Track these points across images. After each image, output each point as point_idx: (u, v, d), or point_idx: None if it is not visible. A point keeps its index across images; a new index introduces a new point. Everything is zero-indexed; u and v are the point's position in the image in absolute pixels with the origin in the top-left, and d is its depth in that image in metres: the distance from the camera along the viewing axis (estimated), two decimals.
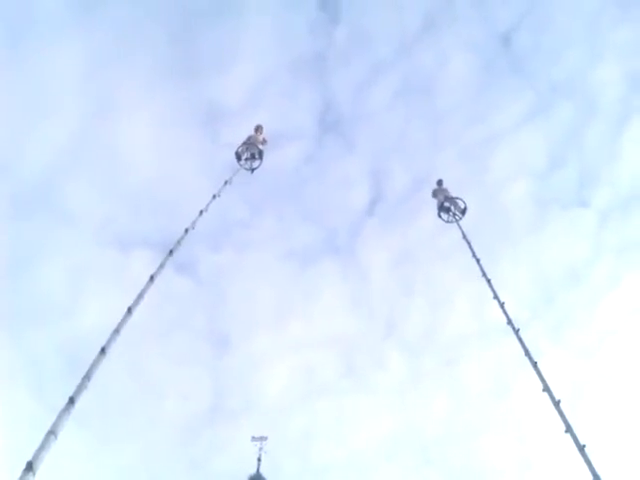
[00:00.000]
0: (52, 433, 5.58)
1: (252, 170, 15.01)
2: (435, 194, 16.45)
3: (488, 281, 11.42)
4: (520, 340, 9.59)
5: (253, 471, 19.50)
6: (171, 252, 9.74)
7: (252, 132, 15.69)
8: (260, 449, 19.64)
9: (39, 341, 28.01)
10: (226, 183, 12.77)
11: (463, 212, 15.40)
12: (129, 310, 7.74)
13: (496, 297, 10.87)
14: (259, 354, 31.78)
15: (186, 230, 10.49)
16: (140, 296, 8.16)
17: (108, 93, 28.16)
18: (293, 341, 33.61)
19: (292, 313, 35.63)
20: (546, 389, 8.49)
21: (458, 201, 15.68)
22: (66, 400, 6.05)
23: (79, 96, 27.83)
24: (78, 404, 6.12)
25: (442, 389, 31.01)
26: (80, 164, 28.24)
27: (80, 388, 6.26)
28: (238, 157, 14.87)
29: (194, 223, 10.82)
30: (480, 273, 11.81)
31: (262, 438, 19.62)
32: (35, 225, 28.25)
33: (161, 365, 29.70)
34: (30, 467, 5.06)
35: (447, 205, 15.68)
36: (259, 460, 19.50)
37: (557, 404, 8.18)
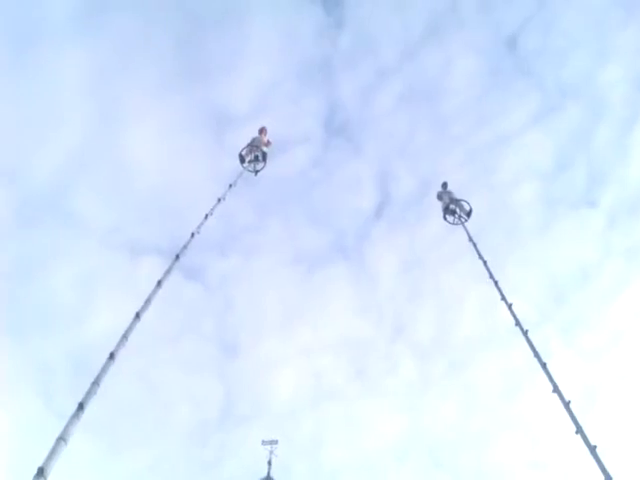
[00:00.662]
0: (62, 439, 5.59)
1: (256, 172, 14.83)
2: (440, 197, 16.42)
3: (495, 283, 11.36)
4: (529, 341, 9.53)
5: (264, 474, 19.53)
6: (178, 257, 9.74)
7: (256, 134, 15.62)
8: (270, 452, 19.66)
9: (48, 347, 28.13)
10: (231, 186, 12.77)
11: (468, 214, 15.34)
12: (137, 315, 7.74)
13: (503, 298, 10.82)
14: (268, 359, 31.84)
15: (192, 234, 10.50)
16: (148, 301, 8.16)
17: (115, 100, 28.33)
18: (302, 345, 33.69)
19: (300, 317, 35.75)
20: (556, 390, 8.43)
21: (463, 203, 15.62)
22: (75, 406, 6.07)
23: (86, 104, 28.00)
24: (88, 410, 6.12)
25: (452, 391, 30.96)
26: (88, 171, 28.42)
27: (89, 394, 6.26)
28: (242, 159, 14.75)
29: (200, 227, 10.84)
30: (487, 275, 11.78)
31: (272, 442, 19.65)
32: (44, 232, 28.40)
33: (170, 370, 29.77)
34: (41, 473, 5.07)
35: (452, 207, 15.63)
36: (269, 464, 19.53)
37: (567, 405, 8.13)
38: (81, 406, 6.06)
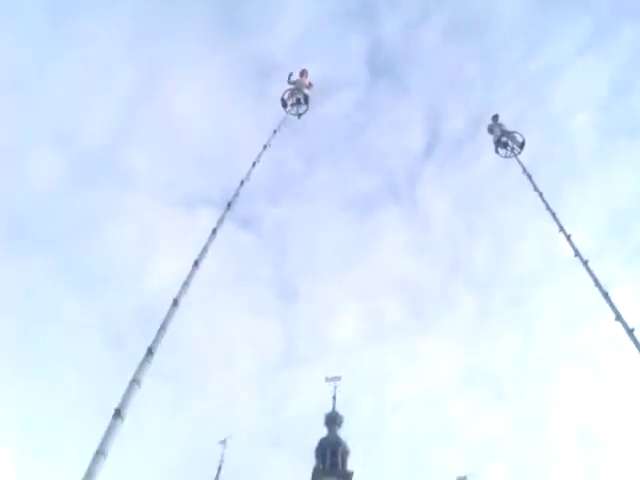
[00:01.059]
0: (135, 382, 5.88)
1: (299, 116, 14.67)
2: (491, 130, 15.91)
3: (553, 214, 11.12)
4: (589, 271, 9.36)
5: (329, 409, 20.23)
6: (229, 205, 9.86)
7: (297, 77, 15.37)
8: (335, 388, 20.37)
9: (114, 298, 29.45)
10: (275, 132, 12.71)
11: (521, 146, 14.88)
12: (196, 263, 7.94)
13: (562, 230, 10.59)
14: (326, 300, 32.51)
15: (242, 182, 10.58)
16: (205, 249, 8.35)
17: (158, 59, 28.55)
18: (358, 287, 34.27)
19: (355, 260, 36.21)
20: (619, 318, 8.30)
21: (516, 135, 15.15)
22: (145, 351, 6.33)
23: (131, 64, 28.40)
24: (157, 357, 6.38)
25: (512, 325, 31.03)
26: (138, 130, 28.96)
27: (157, 339, 6.51)
28: (284, 104, 14.60)
29: (249, 175, 10.91)
30: (544, 207, 11.49)
31: (336, 378, 20.33)
32: (102, 190, 29.40)
33: (232, 315, 30.82)
34: (118, 413, 5.35)
35: (504, 140, 15.18)
36: (334, 399, 20.21)
37: (631, 332, 8.01)
38: (150, 351, 6.32)
